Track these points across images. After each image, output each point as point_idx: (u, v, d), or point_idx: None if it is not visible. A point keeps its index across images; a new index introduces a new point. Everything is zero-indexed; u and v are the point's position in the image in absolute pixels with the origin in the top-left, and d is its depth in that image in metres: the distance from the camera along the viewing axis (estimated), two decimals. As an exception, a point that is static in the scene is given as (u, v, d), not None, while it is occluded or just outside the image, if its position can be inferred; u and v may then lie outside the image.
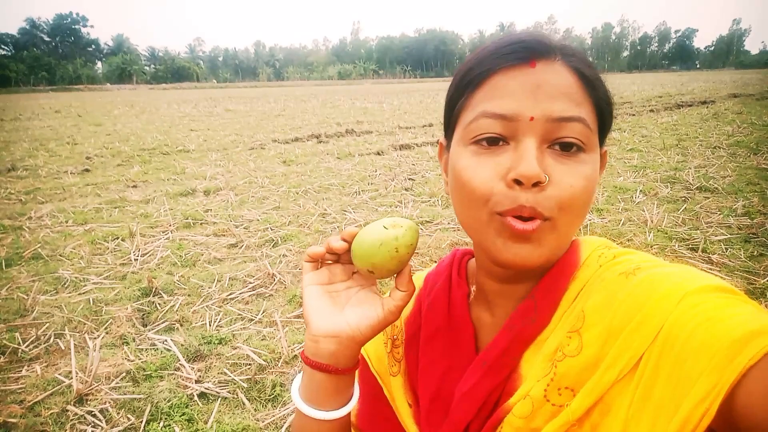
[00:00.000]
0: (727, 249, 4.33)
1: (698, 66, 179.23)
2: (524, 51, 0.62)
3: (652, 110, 16.33)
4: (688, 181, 6.64)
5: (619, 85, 36.74)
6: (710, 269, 3.93)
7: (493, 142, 0.63)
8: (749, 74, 55.72)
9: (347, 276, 0.77)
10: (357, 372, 0.81)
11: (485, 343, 0.75)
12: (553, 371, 0.62)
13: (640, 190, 6.34)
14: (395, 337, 0.87)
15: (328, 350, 0.71)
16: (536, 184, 0.60)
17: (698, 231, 4.78)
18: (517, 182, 0.60)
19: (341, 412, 0.75)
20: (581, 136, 0.61)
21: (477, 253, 0.77)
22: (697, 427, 0.47)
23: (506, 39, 0.65)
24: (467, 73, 0.67)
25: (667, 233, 4.79)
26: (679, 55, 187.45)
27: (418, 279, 0.90)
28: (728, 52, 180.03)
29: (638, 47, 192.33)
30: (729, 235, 4.63)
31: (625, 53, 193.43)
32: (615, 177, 7.19)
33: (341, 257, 0.77)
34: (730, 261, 4.07)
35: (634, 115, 15.23)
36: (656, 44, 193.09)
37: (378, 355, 0.88)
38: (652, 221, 5.05)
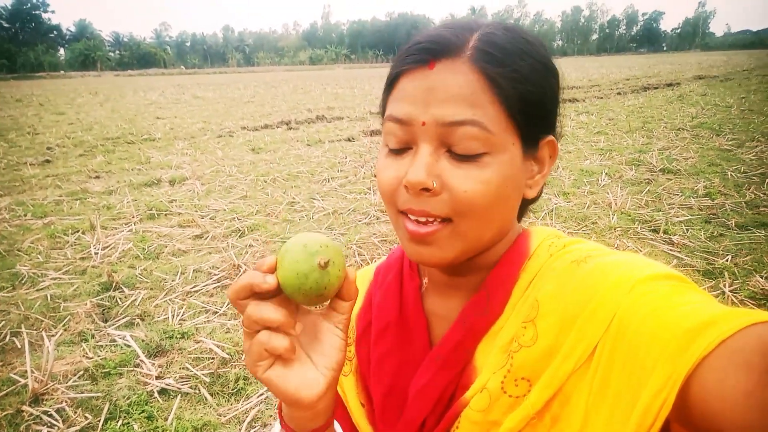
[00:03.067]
0: (687, 230, 4.42)
1: (665, 48, 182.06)
2: (423, 53, 0.61)
3: (619, 93, 16.55)
4: (651, 164, 6.75)
5: (588, 68, 37.15)
6: (671, 250, 4.01)
7: (399, 144, 0.64)
8: (714, 56, 56.89)
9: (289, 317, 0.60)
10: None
11: (439, 336, 0.73)
12: (509, 362, 0.61)
13: (606, 173, 6.43)
14: None
15: (327, 405, 0.64)
16: (426, 190, 0.60)
17: (660, 212, 4.87)
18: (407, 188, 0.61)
19: None
20: (477, 139, 0.59)
21: None
22: (657, 418, 0.47)
23: (416, 38, 0.64)
24: (389, 73, 0.67)
25: (630, 215, 4.87)
26: (647, 37, 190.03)
27: (368, 272, 0.88)
28: (694, 35, 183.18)
29: (606, 30, 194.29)
30: (690, 216, 4.72)
31: (594, 36, 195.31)
32: (582, 160, 7.28)
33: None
34: (690, 242, 4.15)
35: (601, 98, 15.40)
36: (624, 27, 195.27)
37: None
38: (616, 204, 5.12)
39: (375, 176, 0.68)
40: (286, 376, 0.59)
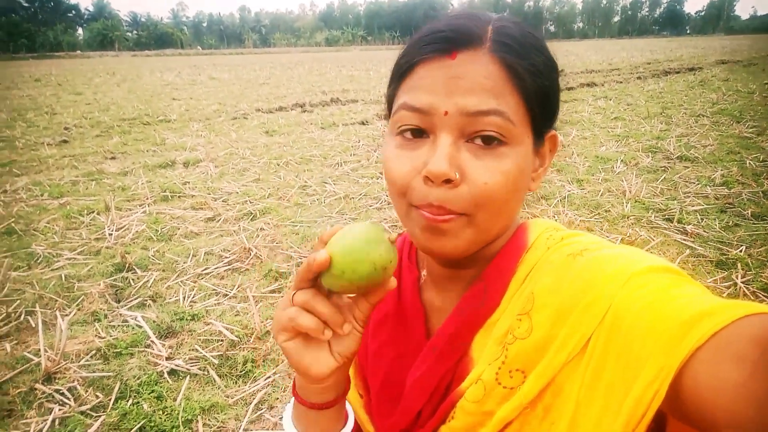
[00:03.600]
0: (702, 219, 4.35)
1: (688, 31, 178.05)
2: (444, 42, 0.60)
3: (639, 77, 16.24)
4: (669, 151, 6.64)
5: (608, 51, 36.50)
6: (684, 240, 3.96)
7: (414, 134, 0.63)
8: (738, 40, 55.48)
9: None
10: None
11: (436, 327, 0.74)
12: (504, 354, 0.62)
13: (621, 160, 6.34)
14: None
15: (334, 384, 0.68)
16: (447, 181, 0.59)
17: (675, 201, 4.80)
18: (428, 179, 0.60)
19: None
20: (500, 129, 0.59)
21: None
22: (648, 409, 0.47)
23: (433, 26, 0.63)
24: (398, 62, 0.66)
25: (644, 204, 4.80)
26: (670, 20, 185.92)
27: None
28: (718, 18, 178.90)
29: (629, 12, 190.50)
30: (705, 206, 4.65)
31: (616, 18, 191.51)
32: (597, 146, 7.18)
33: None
34: (704, 231, 4.10)
35: (621, 82, 15.12)
36: (647, 9, 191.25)
37: None
38: (630, 191, 5.06)
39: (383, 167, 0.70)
40: (302, 352, 0.63)
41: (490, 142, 0.60)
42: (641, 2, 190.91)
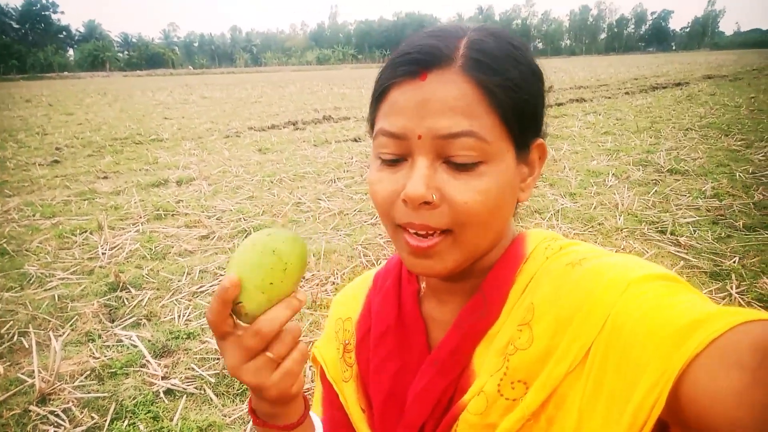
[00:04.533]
0: (695, 231, 4.39)
1: (674, 48, 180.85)
2: (414, 64, 0.60)
3: (627, 93, 16.46)
4: (659, 164, 6.71)
5: (596, 67, 37.01)
6: (678, 252, 3.99)
7: (393, 162, 0.63)
8: (724, 55, 56.46)
9: None
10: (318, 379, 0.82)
11: (437, 340, 0.74)
12: (505, 365, 0.61)
13: (613, 174, 6.40)
14: (347, 341, 0.84)
15: (298, 400, 0.69)
16: (425, 203, 0.60)
17: (668, 213, 4.84)
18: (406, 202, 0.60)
19: None
20: (474, 150, 0.59)
21: None
22: (650, 416, 0.47)
23: (403, 48, 0.63)
24: (375, 85, 0.67)
25: (637, 216, 4.84)
26: (656, 36, 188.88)
27: (367, 278, 0.88)
28: (703, 34, 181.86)
29: (615, 29, 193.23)
30: (697, 217, 4.69)
31: (603, 35, 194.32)
32: (589, 161, 7.25)
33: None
34: (697, 243, 4.13)
35: (609, 97, 15.32)
36: (633, 26, 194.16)
37: (332, 360, 0.86)
38: (622, 204, 5.10)
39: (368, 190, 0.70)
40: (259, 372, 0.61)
41: (464, 164, 0.60)
42: (627, 19, 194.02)
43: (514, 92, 0.61)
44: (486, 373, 0.64)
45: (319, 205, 5.70)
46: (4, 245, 4.65)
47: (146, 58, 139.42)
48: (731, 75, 21.39)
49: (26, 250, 4.59)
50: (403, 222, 0.62)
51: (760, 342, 0.43)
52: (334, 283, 3.76)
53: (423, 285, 0.79)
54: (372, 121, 0.68)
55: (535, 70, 0.65)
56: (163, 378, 2.74)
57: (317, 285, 3.67)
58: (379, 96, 0.65)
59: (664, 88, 17.57)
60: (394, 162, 0.63)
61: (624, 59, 61.64)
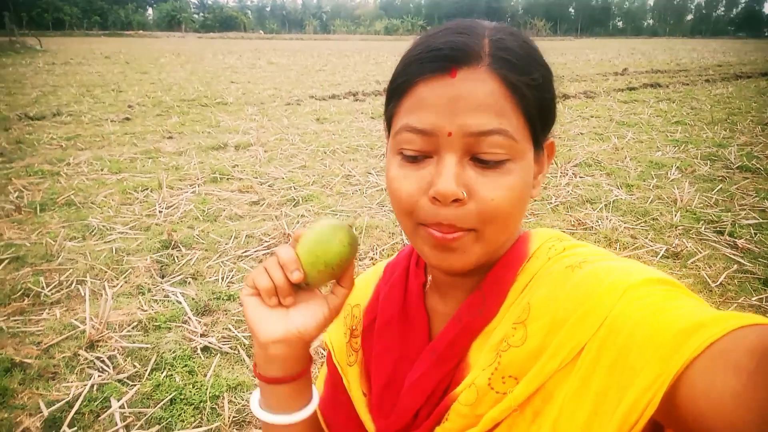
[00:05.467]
0: (755, 234, 4.16)
1: (767, 34, 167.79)
2: (443, 60, 0.60)
3: (707, 80, 15.49)
4: (729, 160, 6.34)
5: (678, 51, 34.90)
6: (733, 254, 3.80)
7: (415, 159, 0.63)
8: (823, 44, 51.95)
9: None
10: (320, 365, 0.84)
11: (438, 332, 0.76)
12: (497, 361, 0.63)
13: (677, 167, 6.11)
14: (354, 327, 0.88)
15: (279, 356, 0.71)
16: (455, 201, 0.60)
17: (729, 213, 4.60)
18: (436, 199, 0.61)
19: (307, 411, 0.77)
20: (503, 148, 0.60)
21: None
22: (641, 417, 0.48)
23: (430, 43, 0.63)
24: (395, 79, 0.66)
25: (696, 214, 4.62)
26: (748, 21, 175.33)
27: (378, 269, 0.91)
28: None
29: (703, 11, 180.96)
30: (761, 220, 4.43)
31: (689, 16, 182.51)
32: (653, 151, 6.93)
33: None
34: (756, 247, 3.91)
35: (687, 84, 14.48)
36: (723, 8, 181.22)
37: (339, 344, 0.90)
38: (681, 200, 4.87)
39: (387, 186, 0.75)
40: (257, 310, 0.70)
41: (492, 161, 0.61)
42: (717, 0, 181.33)
43: (538, 91, 0.62)
44: (479, 367, 0.66)
45: (368, 179, 5.75)
46: (72, 197, 4.97)
47: (220, 20, 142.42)
48: (828, 66, 19.71)
49: (92, 203, 4.89)
50: (430, 221, 0.62)
51: (757, 345, 0.44)
52: (372, 258, 3.82)
53: (429, 278, 0.81)
54: (390, 118, 0.68)
55: (549, 68, 0.67)
56: (201, 335, 2.89)
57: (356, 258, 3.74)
58: (402, 91, 0.64)
59: (749, 77, 16.40)
60: (417, 159, 0.63)
61: (710, 43, 57.81)
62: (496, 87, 0.59)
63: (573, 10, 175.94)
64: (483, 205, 0.60)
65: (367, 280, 0.91)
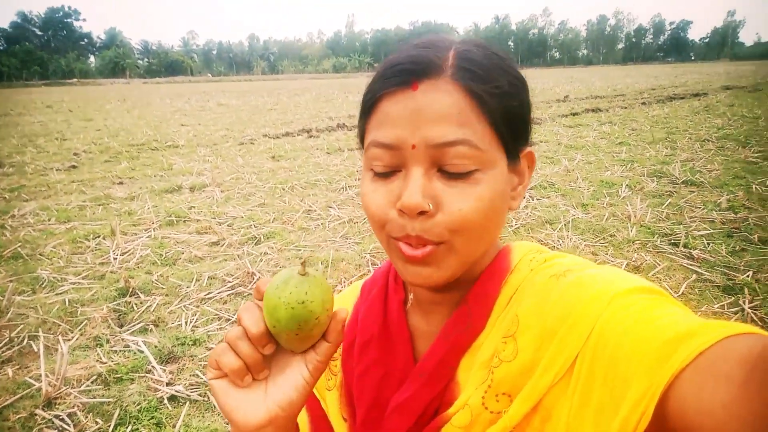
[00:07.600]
0: (708, 244, 4.32)
1: (693, 58, 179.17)
2: (405, 74, 0.60)
3: (644, 103, 16.32)
4: (674, 175, 6.63)
5: (613, 77, 36.78)
6: (690, 264, 3.93)
7: (386, 174, 0.63)
8: (743, 66, 55.79)
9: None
10: None
11: (422, 351, 0.73)
12: (490, 378, 0.61)
13: (626, 185, 6.34)
14: None
15: None
16: (422, 213, 0.59)
17: (681, 226, 4.77)
18: (403, 212, 0.60)
19: None
20: (468, 158, 0.59)
21: None
22: (636, 430, 0.47)
23: (393, 59, 0.64)
24: (364, 96, 0.67)
25: (650, 228, 4.78)
26: (674, 47, 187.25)
27: (354, 288, 0.88)
28: (723, 44, 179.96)
29: (633, 39, 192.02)
30: (711, 230, 4.62)
31: (621, 45, 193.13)
32: (602, 171, 7.18)
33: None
34: (710, 256, 4.06)
35: (626, 108, 15.20)
36: (651, 36, 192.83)
37: None
38: (635, 216, 5.04)
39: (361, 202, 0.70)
40: (229, 394, 0.60)
41: (459, 171, 0.60)
42: (645, 29, 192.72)
43: (503, 99, 0.61)
44: (471, 386, 0.64)
45: (329, 213, 5.72)
46: (19, 249, 4.72)
47: (166, 65, 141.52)
48: (750, 86, 21.12)
49: (40, 254, 4.66)
50: (398, 236, 0.62)
51: (747, 355, 0.43)
52: (340, 291, 3.75)
53: (411, 296, 0.78)
54: (362, 134, 0.68)
55: (520, 78, 0.66)
56: (167, 384, 2.75)
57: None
58: (369, 108, 0.64)
59: (681, 98, 17.40)
60: (387, 174, 0.63)
61: (642, 69, 61.20)
62: (459, 97, 0.59)
63: (512, 43, 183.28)
64: (451, 217, 0.59)
65: (344, 302, 0.88)
